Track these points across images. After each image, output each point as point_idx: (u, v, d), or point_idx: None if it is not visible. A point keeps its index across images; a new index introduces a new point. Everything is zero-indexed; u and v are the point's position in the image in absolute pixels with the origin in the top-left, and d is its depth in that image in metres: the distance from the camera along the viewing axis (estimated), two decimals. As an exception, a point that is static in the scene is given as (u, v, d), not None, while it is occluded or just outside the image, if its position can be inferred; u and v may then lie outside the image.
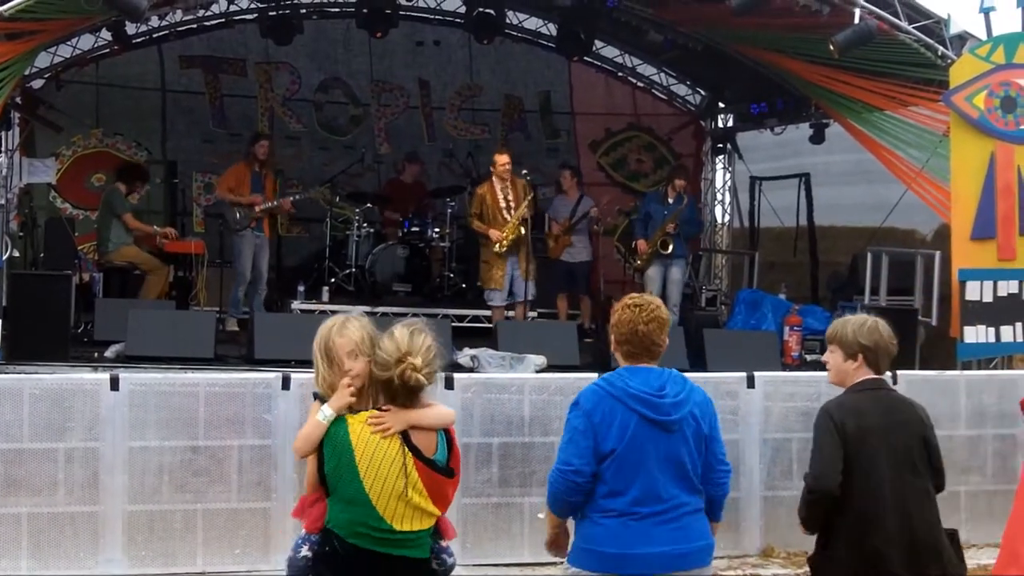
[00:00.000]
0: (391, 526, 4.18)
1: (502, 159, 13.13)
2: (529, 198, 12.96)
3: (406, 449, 4.21)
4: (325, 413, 4.20)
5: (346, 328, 4.34)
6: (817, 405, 9.11)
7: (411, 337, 4.27)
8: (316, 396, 4.38)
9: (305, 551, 4.33)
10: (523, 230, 12.85)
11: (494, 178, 13.08)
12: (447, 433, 4.39)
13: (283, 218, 15.87)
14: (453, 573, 4.56)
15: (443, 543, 4.41)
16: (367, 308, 13.68)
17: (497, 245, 12.91)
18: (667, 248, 13.68)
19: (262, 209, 13.46)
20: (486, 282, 13.30)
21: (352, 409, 4.28)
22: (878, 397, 5.10)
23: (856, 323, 5.17)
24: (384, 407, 4.26)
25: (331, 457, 4.19)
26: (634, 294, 5.07)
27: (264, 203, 13.45)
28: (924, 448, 5.09)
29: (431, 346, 4.31)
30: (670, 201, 13.91)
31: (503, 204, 12.96)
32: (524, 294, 13.09)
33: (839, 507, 4.97)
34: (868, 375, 5.11)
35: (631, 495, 4.74)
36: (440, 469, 4.29)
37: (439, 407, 4.41)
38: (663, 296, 13.77)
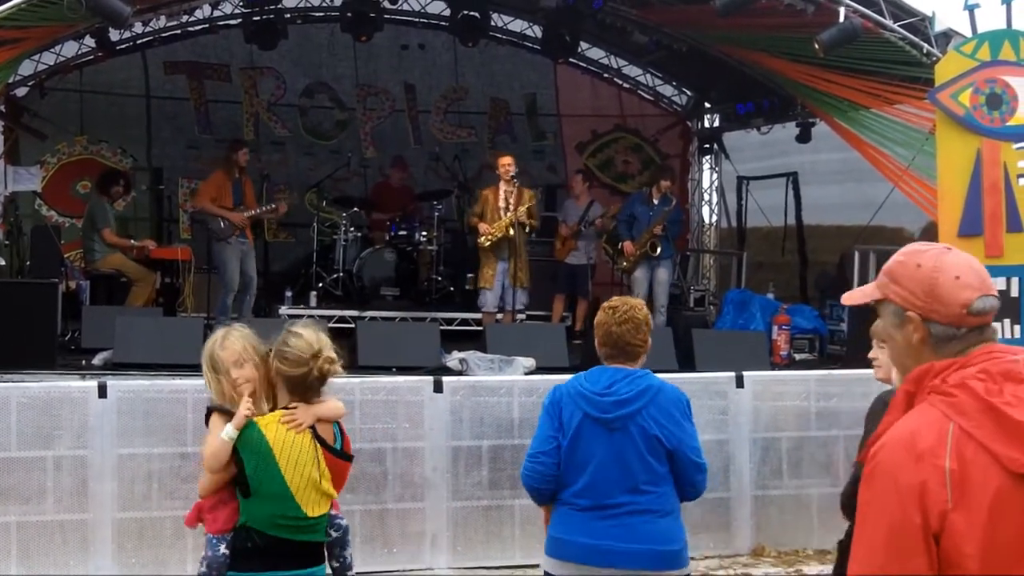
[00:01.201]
0: (305, 514, 4.50)
1: (503, 160, 13.23)
2: (528, 206, 12.96)
3: (316, 442, 4.53)
4: (229, 432, 4.44)
5: (227, 340, 4.60)
6: (807, 404, 9.25)
7: (317, 334, 4.60)
8: (211, 410, 4.59)
9: (223, 549, 4.53)
10: (512, 232, 12.85)
11: (501, 180, 13.13)
12: (338, 423, 4.72)
13: (270, 223, 15.83)
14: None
15: (331, 512, 4.73)
16: (355, 312, 13.73)
17: (483, 238, 12.96)
18: (655, 250, 13.70)
19: (249, 216, 13.37)
20: (478, 281, 13.40)
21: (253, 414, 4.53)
22: None
23: None
24: (291, 405, 4.53)
25: (250, 461, 4.45)
26: (615, 297, 5.20)
27: (248, 212, 13.34)
28: None
29: (331, 343, 4.65)
30: (655, 202, 13.91)
31: (502, 205, 13.01)
32: (512, 303, 13.11)
33: None
34: None
35: (576, 487, 4.92)
36: (341, 455, 4.64)
37: (333, 400, 4.69)
38: (649, 297, 13.80)
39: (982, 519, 2.39)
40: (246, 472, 4.44)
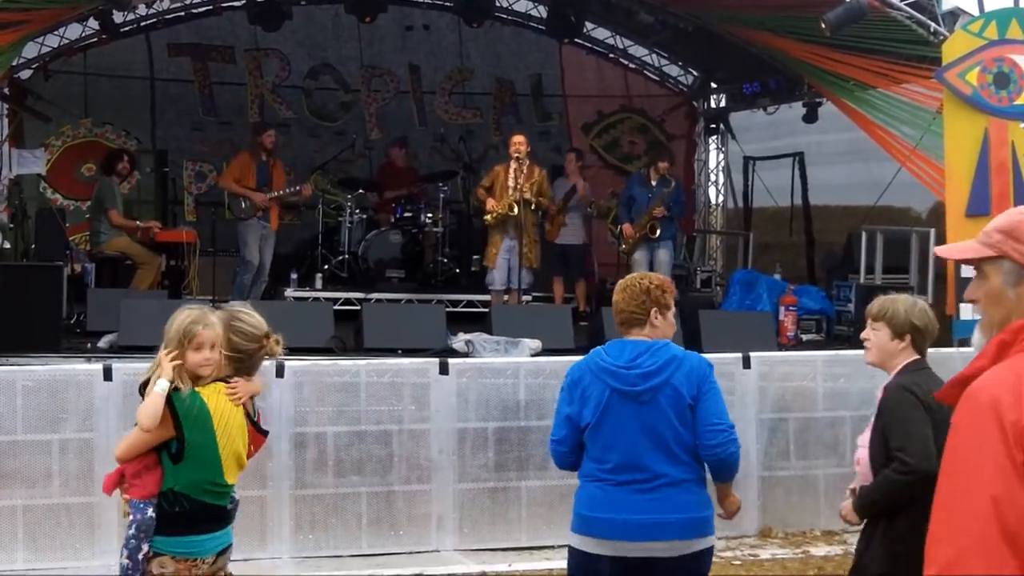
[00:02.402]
0: (225, 481, 4.75)
1: (515, 139, 13.21)
2: (534, 181, 12.92)
3: (245, 415, 4.81)
4: (162, 385, 4.58)
5: (210, 320, 4.72)
6: (813, 385, 9.22)
7: (261, 317, 4.88)
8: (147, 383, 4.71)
9: (151, 512, 4.65)
10: (516, 210, 12.81)
11: (511, 159, 13.11)
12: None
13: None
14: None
15: None
16: (361, 294, 13.71)
17: (488, 216, 12.99)
18: (655, 232, 13.65)
19: (271, 198, 13.37)
20: (483, 260, 13.49)
21: (195, 383, 4.70)
22: (933, 378, 4.90)
23: (907, 302, 4.99)
24: (233, 380, 4.76)
25: (191, 428, 4.63)
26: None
27: (271, 194, 13.33)
28: None
29: None
30: (653, 183, 13.87)
31: (511, 183, 12.98)
32: (518, 281, 13.09)
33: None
34: (913, 356, 4.93)
35: (611, 463, 4.89)
36: (261, 430, 4.97)
37: (257, 378, 4.96)
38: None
39: None
40: (185, 438, 4.61)
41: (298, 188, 13.78)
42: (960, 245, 2.88)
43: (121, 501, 4.78)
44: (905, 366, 4.93)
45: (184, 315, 4.71)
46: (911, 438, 4.67)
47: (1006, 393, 2.48)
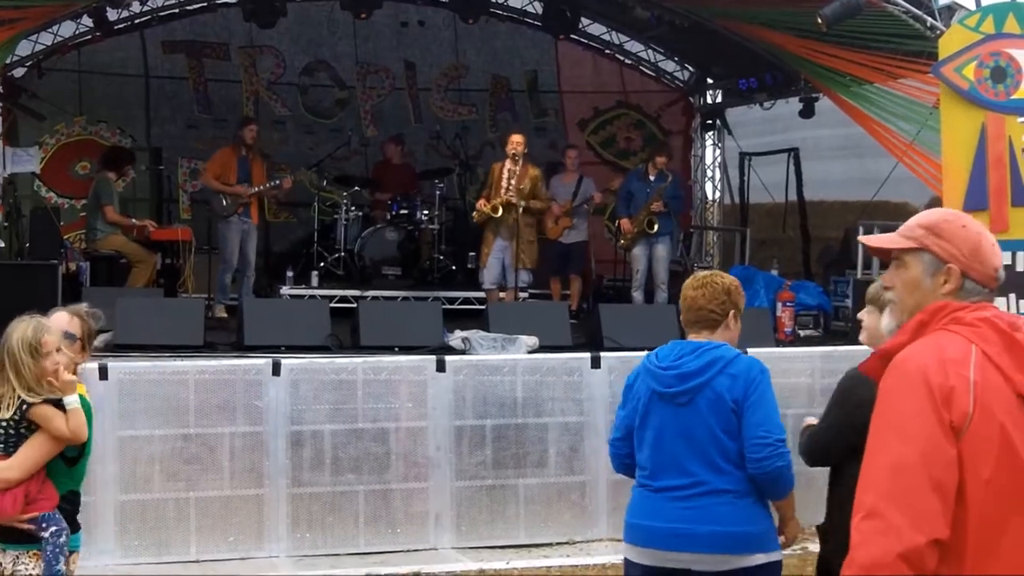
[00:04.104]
0: None
1: (513, 138, 13.13)
2: (524, 184, 12.88)
3: None
4: (75, 399, 4.76)
5: (47, 328, 4.87)
6: (811, 381, 9.19)
7: None
8: (26, 405, 4.73)
9: (63, 521, 4.78)
10: (500, 212, 12.78)
11: (508, 157, 13.07)
12: None
13: (270, 203, 15.75)
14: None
15: None
16: (357, 292, 13.68)
17: (475, 214, 13.04)
18: (652, 227, 13.63)
19: (251, 195, 13.35)
20: (480, 258, 13.49)
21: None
22: None
23: None
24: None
25: (89, 429, 4.87)
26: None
27: (251, 190, 13.32)
28: None
29: None
30: (651, 179, 13.85)
31: (504, 184, 12.95)
32: (515, 281, 13.07)
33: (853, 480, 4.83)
34: None
35: (649, 468, 4.76)
36: None
37: None
38: (649, 274, 13.77)
39: (995, 432, 2.74)
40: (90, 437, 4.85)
41: (278, 182, 13.77)
42: (884, 236, 3.18)
43: None
44: None
45: (25, 327, 4.81)
46: (819, 428, 5.13)
47: (931, 361, 2.80)
